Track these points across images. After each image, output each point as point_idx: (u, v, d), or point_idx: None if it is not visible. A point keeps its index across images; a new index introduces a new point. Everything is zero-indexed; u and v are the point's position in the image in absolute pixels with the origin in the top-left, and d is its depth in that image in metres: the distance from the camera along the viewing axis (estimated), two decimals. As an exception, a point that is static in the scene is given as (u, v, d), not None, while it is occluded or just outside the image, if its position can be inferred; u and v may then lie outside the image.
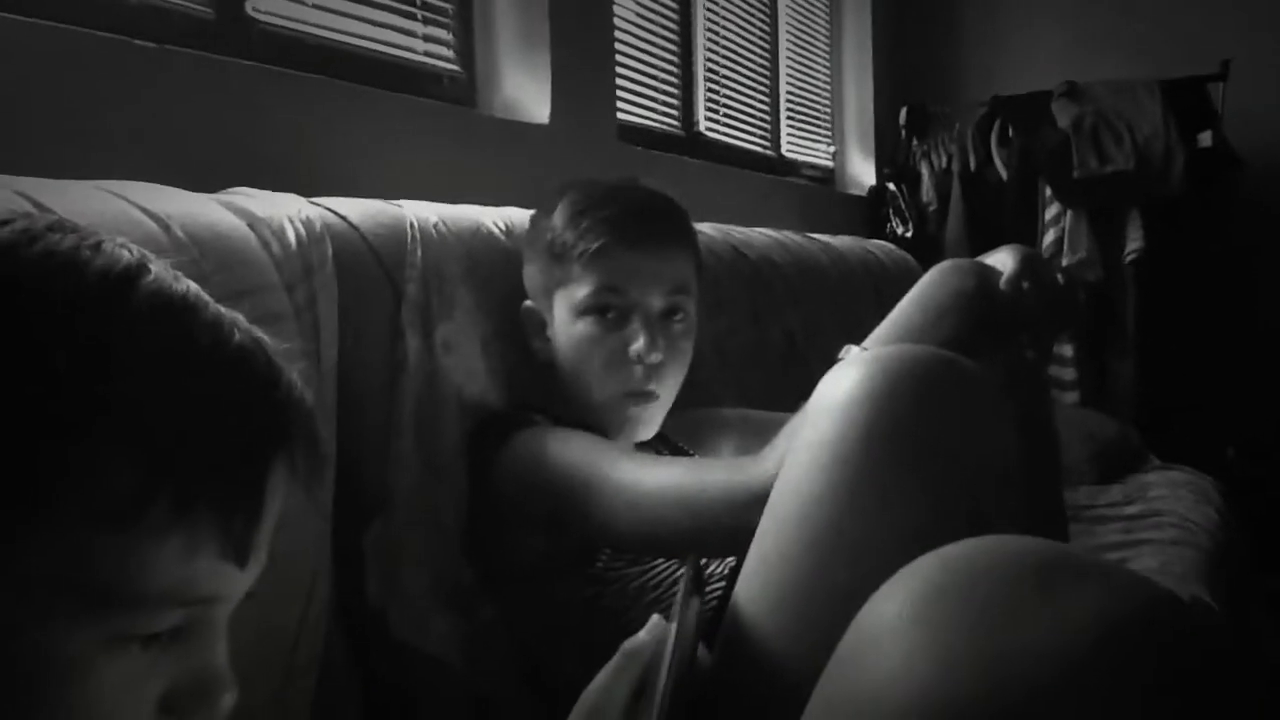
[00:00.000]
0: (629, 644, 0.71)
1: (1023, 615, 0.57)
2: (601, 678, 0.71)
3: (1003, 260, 1.03)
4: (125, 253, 0.53)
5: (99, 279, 0.51)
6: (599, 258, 1.17)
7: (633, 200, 1.22)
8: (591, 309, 1.18)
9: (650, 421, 1.22)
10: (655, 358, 1.18)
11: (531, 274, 1.24)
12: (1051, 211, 3.14)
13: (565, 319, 1.20)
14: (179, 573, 0.50)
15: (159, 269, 0.54)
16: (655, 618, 0.73)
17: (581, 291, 1.18)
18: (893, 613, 0.60)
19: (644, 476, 1.00)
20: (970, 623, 0.57)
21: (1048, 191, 3.15)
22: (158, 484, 0.49)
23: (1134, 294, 3.09)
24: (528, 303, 1.24)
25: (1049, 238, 3.14)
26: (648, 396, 1.20)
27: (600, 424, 1.21)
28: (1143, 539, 1.92)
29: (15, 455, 0.47)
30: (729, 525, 0.91)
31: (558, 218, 1.21)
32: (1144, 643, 0.56)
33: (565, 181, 1.27)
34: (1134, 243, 3.06)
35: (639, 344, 1.17)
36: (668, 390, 1.22)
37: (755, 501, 0.86)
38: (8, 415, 0.47)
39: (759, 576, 0.80)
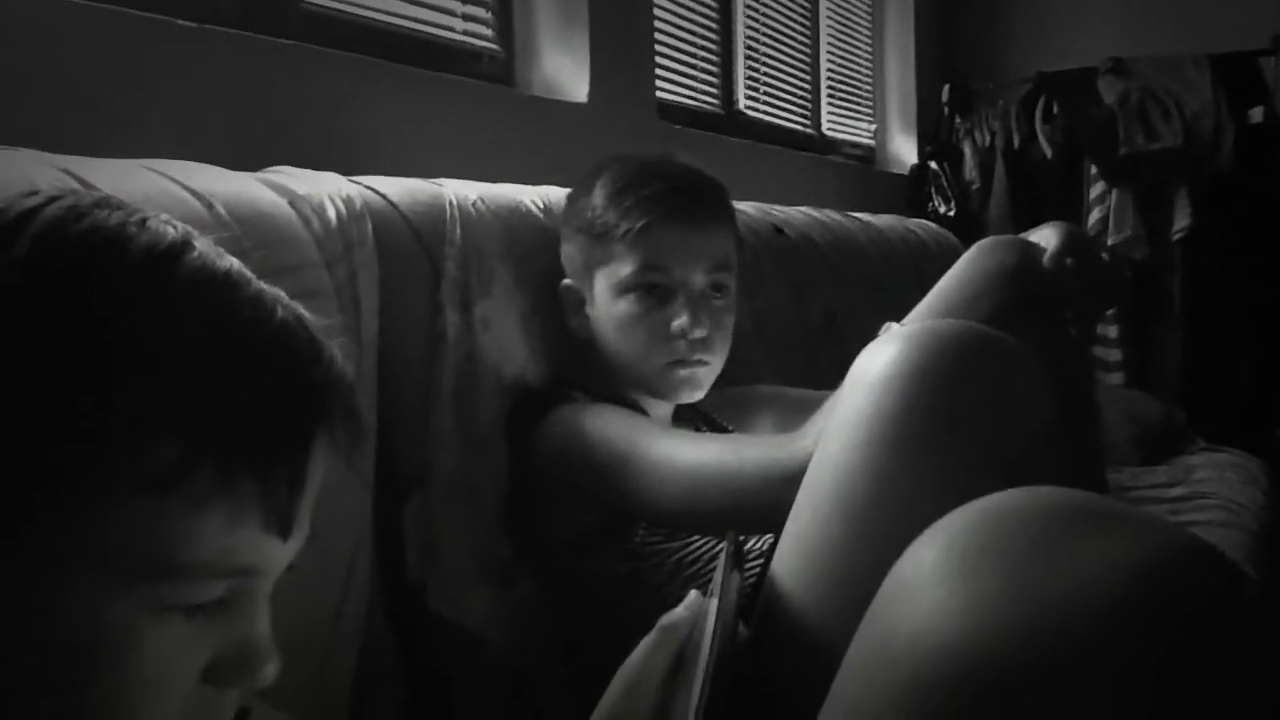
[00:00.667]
0: (667, 619, 0.72)
1: (1057, 562, 0.56)
2: (639, 652, 0.71)
3: (1046, 237, 1.02)
4: (170, 229, 0.54)
5: (144, 254, 0.51)
6: (641, 237, 1.17)
7: (672, 177, 1.22)
8: (634, 287, 1.18)
9: (699, 383, 1.23)
10: (699, 333, 1.18)
11: (570, 253, 1.24)
12: (1097, 189, 3.10)
13: (606, 297, 1.20)
14: (222, 544, 0.51)
15: (203, 245, 0.54)
16: (693, 593, 0.74)
17: (624, 270, 1.18)
18: (928, 562, 0.59)
19: (682, 452, 1.01)
20: (1005, 570, 0.56)
21: (1093, 169, 3.11)
22: (200, 456, 0.49)
23: (1181, 273, 3.04)
24: (566, 281, 1.24)
25: (1094, 216, 3.10)
26: (695, 363, 1.21)
27: (644, 395, 1.22)
28: (1188, 521, 1.89)
29: (60, 428, 0.48)
30: (766, 502, 0.91)
31: (597, 196, 1.21)
32: (1181, 590, 0.55)
33: (602, 159, 1.27)
34: (1182, 221, 3.01)
35: (683, 319, 1.18)
36: (715, 359, 1.23)
37: (792, 479, 0.86)
38: (57, 393, 0.48)
39: (796, 552, 0.80)
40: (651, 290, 1.18)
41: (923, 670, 0.56)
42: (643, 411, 1.20)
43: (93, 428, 0.48)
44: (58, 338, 0.48)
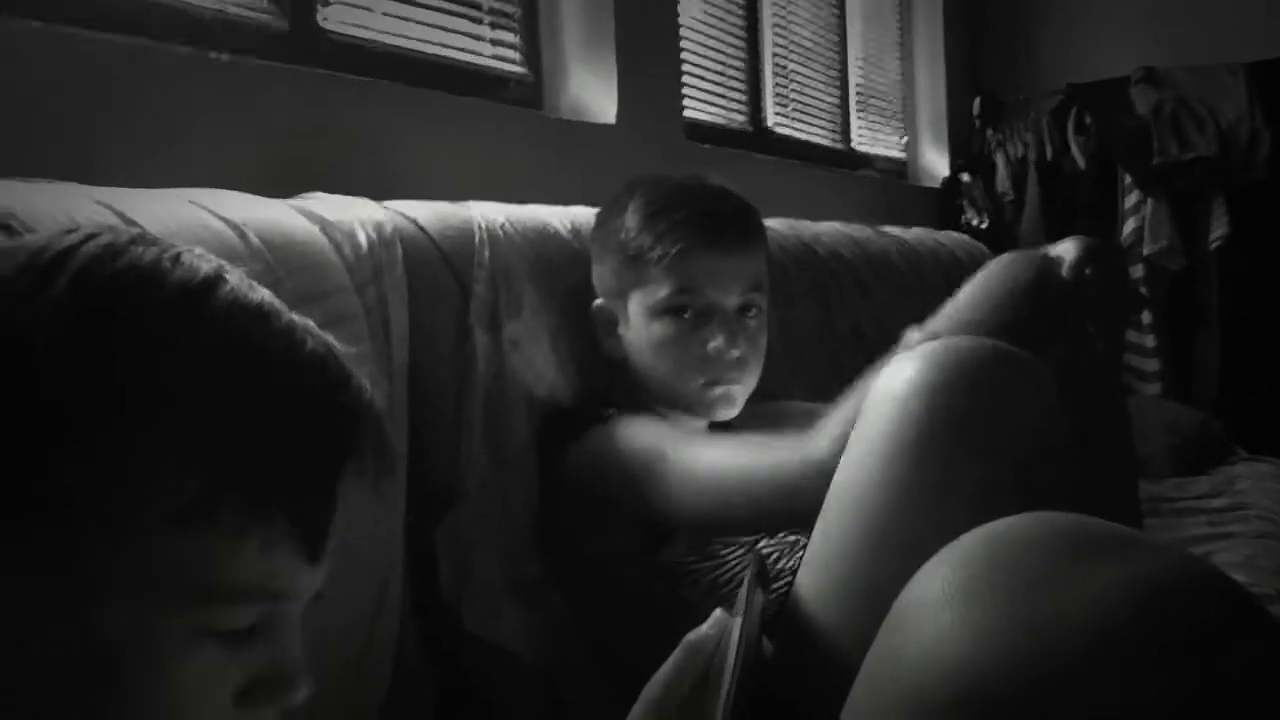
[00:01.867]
0: (692, 636, 0.72)
1: (1060, 586, 0.57)
2: (665, 670, 0.72)
3: (1065, 249, 1.02)
4: (203, 264, 0.55)
5: (178, 290, 0.53)
6: (676, 262, 1.18)
7: (705, 200, 1.23)
8: (669, 310, 1.20)
9: (734, 402, 1.24)
10: (734, 354, 1.20)
11: (603, 274, 1.26)
12: (1131, 200, 3.07)
13: (641, 319, 1.21)
14: (254, 571, 0.52)
15: (235, 279, 0.56)
16: (718, 612, 0.74)
17: (659, 294, 1.20)
18: (935, 586, 0.60)
19: (706, 457, 1.04)
20: (1008, 594, 0.57)
21: (1127, 179, 3.08)
22: (233, 484, 0.51)
23: (1218, 282, 3.01)
24: (599, 301, 1.26)
25: (1129, 226, 3.07)
26: (730, 382, 1.22)
27: (679, 413, 1.23)
28: (1228, 532, 1.87)
29: (95, 461, 0.49)
30: (780, 505, 0.94)
31: (630, 219, 1.22)
32: (1181, 614, 0.55)
33: (633, 179, 1.28)
34: (1218, 229, 2.98)
35: (718, 342, 1.19)
36: (749, 377, 1.25)
37: (803, 479, 0.89)
38: (93, 426, 0.49)
39: (819, 567, 0.81)
40: (686, 312, 1.20)
41: (926, 691, 0.57)
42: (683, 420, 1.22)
43: (127, 460, 0.49)
44: (93, 374, 0.50)
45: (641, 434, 1.11)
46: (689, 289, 1.19)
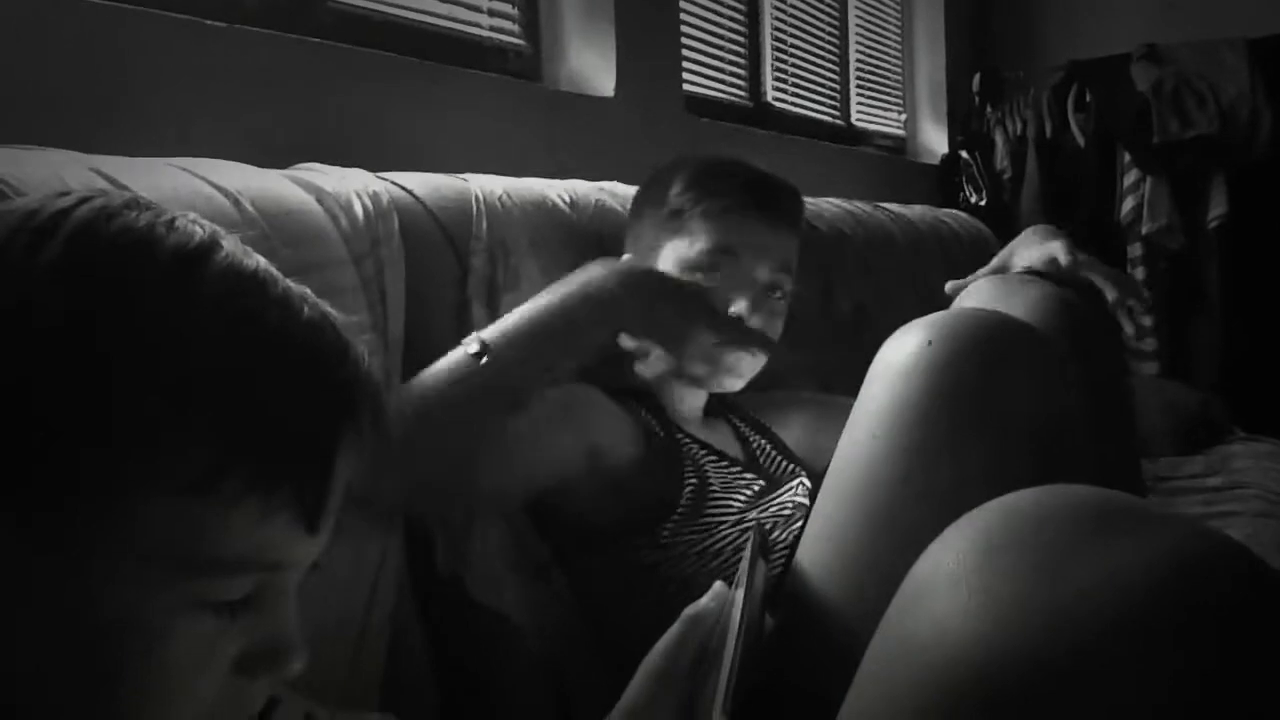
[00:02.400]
0: (692, 609, 0.72)
1: (1075, 561, 0.56)
2: (664, 642, 0.71)
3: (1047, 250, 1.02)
4: (198, 229, 0.54)
5: (173, 255, 0.52)
6: (720, 216, 1.19)
7: (756, 172, 1.26)
8: (702, 266, 1.20)
9: (741, 372, 1.23)
10: (755, 322, 1.19)
11: (638, 231, 1.26)
12: (1131, 178, 3.06)
13: (671, 270, 1.21)
14: (253, 540, 0.51)
15: (230, 245, 0.55)
16: (718, 584, 0.74)
17: (696, 247, 1.20)
18: (948, 562, 0.59)
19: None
20: (1025, 570, 0.56)
21: (1126, 157, 3.07)
22: (232, 455, 0.50)
23: (1218, 261, 3.00)
24: (625, 257, 1.24)
25: (1128, 205, 3.06)
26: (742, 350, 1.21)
27: (682, 382, 1.23)
28: (1225, 511, 1.87)
29: (95, 429, 0.48)
30: None
31: (679, 179, 1.23)
32: (1203, 587, 0.54)
33: (680, 155, 1.30)
34: (1218, 208, 2.97)
35: (742, 305, 1.18)
36: (760, 355, 1.23)
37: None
38: (90, 393, 0.48)
39: (822, 540, 0.80)
40: (719, 271, 1.20)
41: (942, 670, 0.56)
42: (671, 403, 1.22)
43: (123, 427, 0.49)
44: (88, 339, 0.49)
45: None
46: (726, 250, 1.20)
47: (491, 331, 0.91)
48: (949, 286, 1.29)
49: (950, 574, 0.59)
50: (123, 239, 0.52)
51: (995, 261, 1.33)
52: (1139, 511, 0.59)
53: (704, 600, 0.73)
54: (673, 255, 1.21)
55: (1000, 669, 0.54)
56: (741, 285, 1.20)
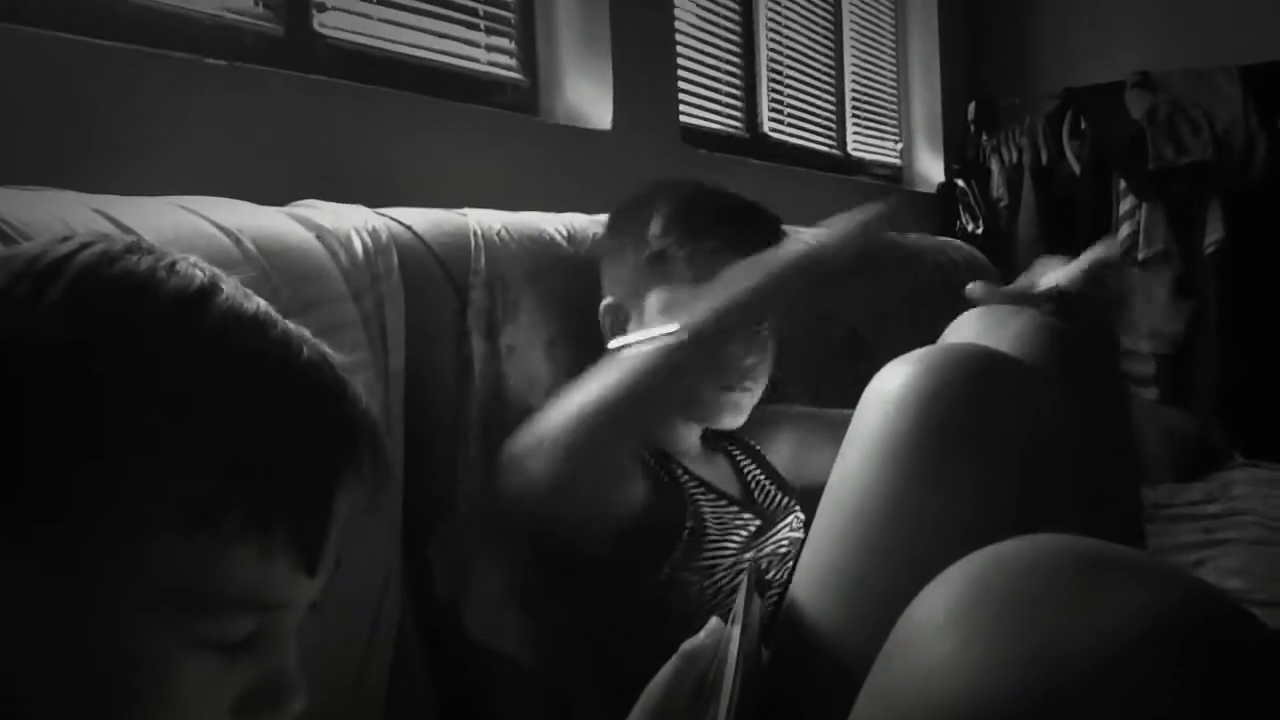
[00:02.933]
0: (688, 645, 0.72)
1: (1065, 613, 0.56)
2: (662, 677, 0.72)
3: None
4: (198, 273, 0.55)
5: (173, 299, 0.53)
6: (706, 260, 1.17)
7: (735, 204, 1.24)
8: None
9: (742, 410, 1.23)
10: (751, 360, 1.20)
11: (618, 273, 1.24)
12: (1127, 204, 3.08)
13: (658, 319, 1.20)
14: (252, 581, 0.52)
15: (230, 288, 0.56)
16: (714, 620, 0.74)
17: (683, 293, 1.18)
18: (940, 609, 0.59)
19: None
20: (1014, 620, 0.56)
21: (1122, 184, 3.09)
22: (230, 495, 0.51)
23: (1215, 286, 3.01)
24: (609, 300, 1.24)
25: (1124, 231, 3.07)
26: (744, 389, 1.22)
27: (681, 419, 1.22)
28: (1224, 538, 1.87)
29: (98, 469, 0.49)
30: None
31: (657, 217, 1.21)
32: (1189, 643, 0.54)
33: (656, 182, 1.27)
34: (1214, 234, 2.98)
35: (737, 348, 1.18)
36: (758, 386, 1.24)
37: None
38: (92, 434, 0.49)
39: (815, 570, 0.80)
40: None
41: None
42: (670, 436, 1.22)
43: (125, 468, 0.49)
44: (89, 383, 0.50)
45: None
46: None
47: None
48: (973, 288, 1.27)
49: (937, 624, 0.59)
50: (124, 283, 0.52)
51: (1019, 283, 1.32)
52: (1125, 563, 0.59)
53: (700, 636, 0.73)
54: (659, 303, 1.19)
55: (986, 716, 0.54)
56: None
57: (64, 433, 0.49)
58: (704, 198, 1.23)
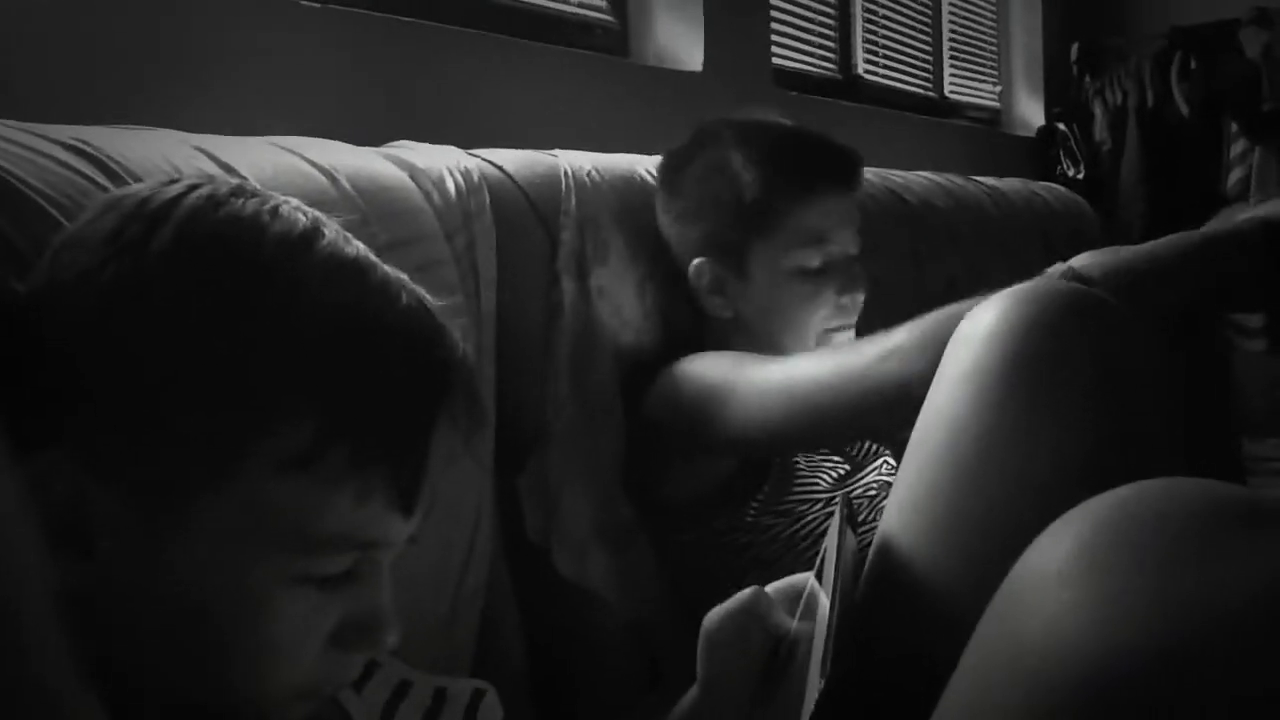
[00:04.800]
0: (768, 587, 0.72)
1: (1199, 568, 0.52)
2: (728, 609, 0.72)
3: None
4: (300, 216, 0.56)
5: (278, 243, 0.54)
6: (808, 207, 1.17)
7: (814, 141, 1.23)
8: (804, 266, 1.19)
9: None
10: (859, 299, 1.22)
11: (703, 230, 1.22)
12: (1238, 148, 2.96)
13: (767, 274, 1.20)
14: (351, 519, 0.53)
15: (331, 232, 0.57)
16: (800, 575, 0.74)
17: (793, 245, 1.18)
18: (1056, 560, 0.55)
19: (773, 372, 1.03)
20: (1140, 575, 0.52)
21: (1233, 127, 2.96)
22: (333, 436, 0.52)
23: (1330, 234, 2.88)
24: (700, 260, 1.23)
25: (1235, 176, 2.95)
26: (845, 328, 1.23)
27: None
28: (1334, 493, 1.80)
29: (210, 412, 0.51)
30: (850, 397, 0.95)
31: (739, 166, 1.19)
32: None
33: (711, 124, 1.26)
34: (1331, 178, 2.85)
35: (846, 297, 1.20)
36: (855, 320, 1.25)
37: (880, 361, 0.91)
38: (201, 374, 0.51)
39: (907, 509, 0.79)
40: (818, 262, 1.19)
41: (1045, 675, 0.53)
42: None
43: (233, 408, 0.51)
44: (199, 324, 0.51)
45: (712, 362, 1.11)
46: (822, 238, 1.19)
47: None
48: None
49: (1058, 573, 0.55)
50: (230, 228, 0.54)
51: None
52: (1264, 512, 0.54)
53: (781, 582, 0.73)
54: (766, 259, 1.19)
55: (1113, 681, 0.51)
56: (840, 266, 1.20)
57: (169, 375, 0.50)
58: (780, 142, 1.21)
